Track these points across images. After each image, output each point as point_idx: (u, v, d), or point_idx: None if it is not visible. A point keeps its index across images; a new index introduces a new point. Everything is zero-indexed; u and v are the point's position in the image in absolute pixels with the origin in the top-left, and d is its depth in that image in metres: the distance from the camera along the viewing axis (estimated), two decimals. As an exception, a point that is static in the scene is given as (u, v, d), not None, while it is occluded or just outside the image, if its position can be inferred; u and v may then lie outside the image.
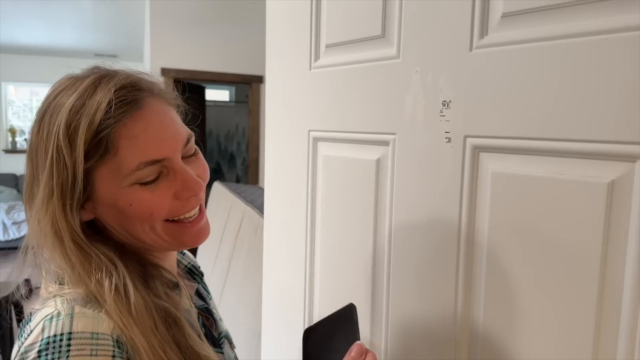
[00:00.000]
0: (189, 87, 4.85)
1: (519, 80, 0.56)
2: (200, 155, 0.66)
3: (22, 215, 5.91)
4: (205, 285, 0.80)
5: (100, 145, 0.56)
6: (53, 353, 0.51)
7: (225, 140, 7.02)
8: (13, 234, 5.83)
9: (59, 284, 0.59)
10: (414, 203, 0.69)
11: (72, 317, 0.53)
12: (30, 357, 0.51)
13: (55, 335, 0.52)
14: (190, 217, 0.63)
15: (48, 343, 0.52)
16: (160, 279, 0.63)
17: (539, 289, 0.56)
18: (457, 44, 0.62)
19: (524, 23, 0.56)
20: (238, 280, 1.99)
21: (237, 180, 6.81)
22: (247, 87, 4.98)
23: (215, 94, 7.24)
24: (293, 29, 0.88)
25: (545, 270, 0.55)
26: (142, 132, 0.58)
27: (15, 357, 0.53)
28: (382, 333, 0.76)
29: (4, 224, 5.84)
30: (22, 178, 6.54)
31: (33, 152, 0.59)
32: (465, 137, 0.62)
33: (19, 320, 2.87)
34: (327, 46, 0.81)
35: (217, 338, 0.71)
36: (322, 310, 0.87)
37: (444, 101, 0.64)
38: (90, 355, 0.52)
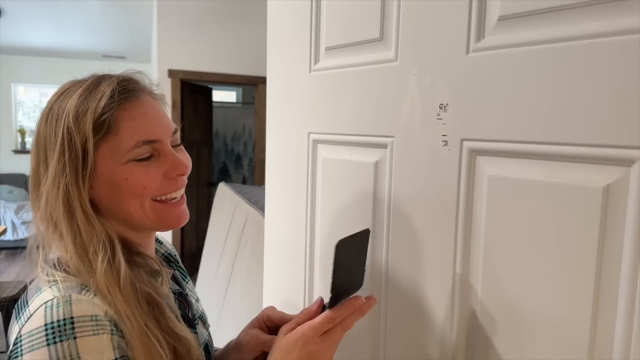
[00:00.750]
0: (196, 88, 4.88)
1: (516, 83, 0.56)
2: (184, 148, 0.75)
3: (31, 215, 5.97)
4: (183, 270, 0.87)
5: (103, 125, 0.65)
6: (60, 335, 0.56)
7: (232, 141, 7.05)
8: (22, 233, 5.89)
9: (56, 269, 0.64)
10: (412, 205, 0.69)
11: (70, 304, 0.59)
12: (38, 341, 0.56)
13: (58, 321, 0.57)
14: (174, 198, 0.72)
15: (53, 328, 0.57)
16: (144, 267, 0.70)
17: (535, 293, 0.56)
18: (454, 47, 0.62)
19: (520, 26, 0.56)
20: (242, 279, 2.00)
21: (244, 181, 6.84)
22: (254, 88, 5.00)
23: (222, 95, 7.27)
24: (293, 32, 0.88)
25: (541, 274, 0.55)
26: (140, 116, 0.68)
27: (18, 339, 0.58)
28: (379, 338, 0.76)
29: (13, 224, 5.90)
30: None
31: (40, 141, 0.67)
32: (462, 140, 0.62)
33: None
34: (327, 49, 0.82)
35: (191, 319, 0.79)
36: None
37: (441, 104, 0.64)
38: (93, 334, 0.58)
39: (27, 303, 0.62)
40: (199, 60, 4.48)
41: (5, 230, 4.07)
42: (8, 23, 4.94)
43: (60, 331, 0.57)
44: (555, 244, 0.54)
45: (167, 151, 0.70)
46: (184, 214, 0.74)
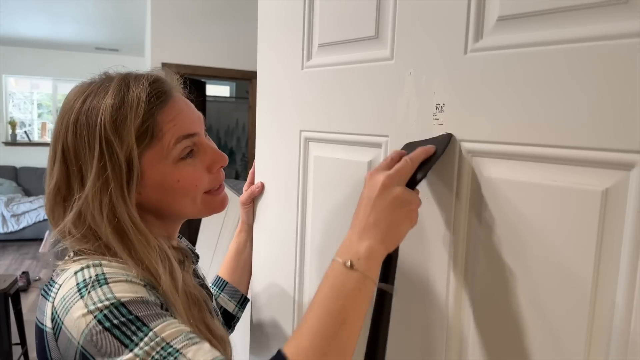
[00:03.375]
0: (190, 82, 4.83)
1: (514, 85, 0.55)
2: (210, 139, 0.76)
3: (21, 208, 5.91)
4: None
5: (147, 133, 0.64)
6: (93, 285, 0.56)
7: (225, 136, 7.02)
8: (12, 226, 5.83)
9: (80, 254, 0.63)
10: (406, 207, 0.68)
11: (101, 266, 0.60)
12: (72, 299, 0.56)
13: (90, 277, 0.58)
14: (220, 187, 0.75)
15: (85, 282, 0.57)
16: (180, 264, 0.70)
17: (531, 296, 0.55)
18: (452, 47, 0.61)
19: (520, 27, 0.55)
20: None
21: (237, 176, 6.81)
22: (248, 82, 4.97)
23: (215, 89, 7.23)
24: (285, 27, 0.86)
25: (538, 276, 0.54)
26: (178, 114, 0.68)
27: (54, 313, 0.58)
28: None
29: (3, 217, 5.84)
30: (22, 170, 6.56)
31: (69, 153, 0.64)
32: (459, 141, 0.61)
33: (16, 312, 2.87)
34: (320, 46, 0.80)
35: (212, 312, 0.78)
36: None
37: (438, 104, 0.63)
38: (126, 282, 0.58)
39: (54, 281, 0.62)
40: (192, 54, 4.45)
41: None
42: (-1, 13, 4.87)
43: (93, 282, 0.57)
44: (552, 247, 0.53)
45: (206, 144, 0.72)
46: (226, 198, 0.77)
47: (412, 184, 0.59)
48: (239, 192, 2.39)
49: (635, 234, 0.47)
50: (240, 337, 1.24)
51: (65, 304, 0.56)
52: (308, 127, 0.84)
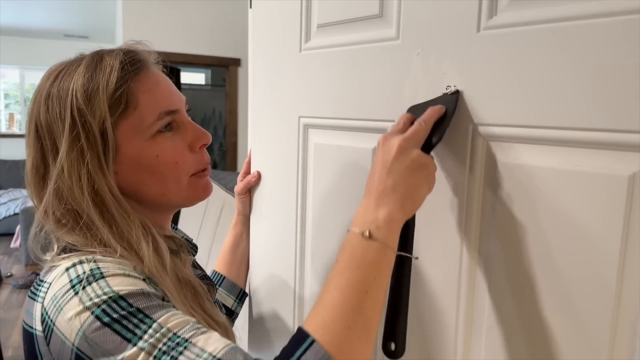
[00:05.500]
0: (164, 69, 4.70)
1: (532, 64, 0.52)
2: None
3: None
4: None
5: (120, 101, 0.60)
6: (88, 280, 0.52)
7: (202, 124, 6.83)
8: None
9: (69, 251, 0.59)
10: (414, 195, 0.65)
11: (95, 261, 0.55)
12: (65, 297, 0.51)
13: (84, 272, 0.53)
14: (205, 169, 0.70)
15: (79, 277, 0.53)
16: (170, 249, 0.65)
17: (553, 288, 0.53)
18: (464, 25, 0.58)
19: (538, 2, 0.52)
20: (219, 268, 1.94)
21: (215, 166, 6.71)
22: (224, 70, 4.87)
23: (190, 77, 7.09)
24: (282, 6, 0.82)
25: (560, 266, 0.52)
26: (155, 86, 0.64)
27: (44, 314, 0.53)
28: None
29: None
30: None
31: (42, 129, 0.61)
32: (472, 125, 0.58)
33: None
34: (319, 26, 0.76)
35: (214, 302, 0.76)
36: (313, 304, 0.82)
37: (448, 86, 0.60)
38: (124, 275, 0.54)
39: (42, 280, 0.57)
40: (166, 40, 4.33)
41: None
42: (-41, -2, 4.64)
43: (88, 277, 0.52)
44: (575, 237, 0.50)
45: (187, 121, 0.67)
46: (210, 184, 0.72)
47: (427, 147, 0.57)
48: (219, 182, 2.33)
49: (666, 220, 0.44)
50: (237, 336, 1.20)
51: (57, 302, 0.52)
52: (307, 113, 0.79)
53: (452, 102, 0.58)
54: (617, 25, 0.46)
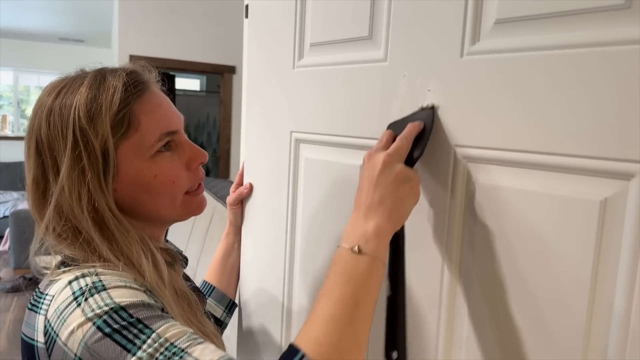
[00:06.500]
0: (159, 75, 4.70)
1: (511, 89, 0.55)
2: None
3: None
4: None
5: (123, 122, 0.62)
6: (91, 291, 0.53)
7: (195, 131, 6.89)
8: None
9: (69, 265, 0.60)
10: (399, 212, 0.67)
11: (97, 274, 0.56)
12: (69, 309, 0.53)
13: (86, 285, 0.55)
14: (199, 187, 0.73)
15: (82, 289, 0.54)
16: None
17: (527, 307, 0.55)
18: (448, 50, 0.60)
19: (518, 31, 0.54)
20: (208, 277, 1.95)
21: (207, 172, 6.71)
22: (219, 76, 4.89)
23: (185, 83, 7.10)
24: (276, 24, 0.84)
25: (534, 286, 0.54)
26: (157, 107, 0.66)
27: (47, 326, 0.54)
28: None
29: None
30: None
31: (42, 145, 0.62)
32: (454, 146, 0.60)
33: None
34: (312, 45, 0.78)
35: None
36: (301, 318, 0.84)
37: (423, 103, 0.62)
38: (125, 287, 0.55)
39: (42, 293, 0.58)
40: (162, 46, 4.34)
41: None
42: (-45, -1, 4.63)
43: (90, 289, 0.54)
44: (549, 257, 0.53)
45: (184, 141, 0.69)
46: (204, 200, 0.74)
47: (410, 162, 0.60)
48: (210, 190, 2.34)
49: (633, 245, 0.46)
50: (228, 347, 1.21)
51: (61, 314, 0.53)
52: (299, 128, 0.82)
53: (429, 117, 0.61)
54: (592, 56, 0.48)
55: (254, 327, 0.95)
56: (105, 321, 0.51)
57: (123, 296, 0.54)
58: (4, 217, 5.43)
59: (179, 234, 2.52)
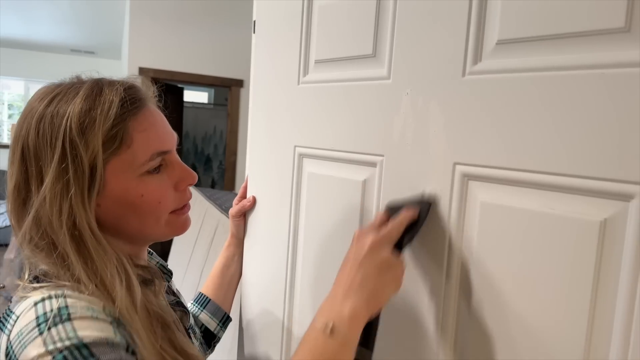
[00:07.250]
0: (167, 87, 4.78)
1: (512, 109, 0.55)
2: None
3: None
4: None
5: (115, 138, 0.60)
6: (54, 320, 0.51)
7: (202, 143, 6.93)
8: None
9: (42, 280, 0.59)
10: (400, 228, 0.67)
11: (65, 297, 0.54)
12: (30, 335, 0.51)
13: (51, 310, 0.52)
14: (184, 206, 0.71)
15: (46, 315, 0.52)
16: (140, 278, 0.65)
17: (527, 326, 0.55)
18: (450, 69, 0.61)
19: (519, 52, 0.55)
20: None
21: (213, 184, 6.73)
22: (226, 89, 4.93)
23: (193, 95, 7.16)
24: (282, 41, 0.85)
25: (533, 306, 0.54)
26: (151, 126, 0.64)
27: (9, 347, 0.52)
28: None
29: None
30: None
31: (29, 152, 0.59)
32: (455, 164, 0.61)
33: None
34: (317, 61, 0.79)
35: (186, 329, 0.75)
36: (301, 332, 0.84)
37: (435, 126, 0.63)
38: (91, 318, 0.53)
39: (11, 311, 0.56)
40: (171, 59, 4.39)
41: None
42: (-30, 10, 4.72)
43: (55, 317, 0.51)
44: (548, 276, 0.53)
45: (176, 161, 0.68)
46: (189, 220, 0.72)
47: (398, 247, 0.61)
48: (215, 202, 2.35)
49: (633, 266, 0.46)
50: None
51: (22, 339, 0.51)
52: (303, 143, 0.82)
53: (426, 208, 0.62)
54: (592, 78, 0.49)
55: (254, 339, 0.95)
56: (65, 357, 0.49)
57: (87, 329, 0.51)
58: (7, 226, 5.46)
59: (183, 246, 2.52)
